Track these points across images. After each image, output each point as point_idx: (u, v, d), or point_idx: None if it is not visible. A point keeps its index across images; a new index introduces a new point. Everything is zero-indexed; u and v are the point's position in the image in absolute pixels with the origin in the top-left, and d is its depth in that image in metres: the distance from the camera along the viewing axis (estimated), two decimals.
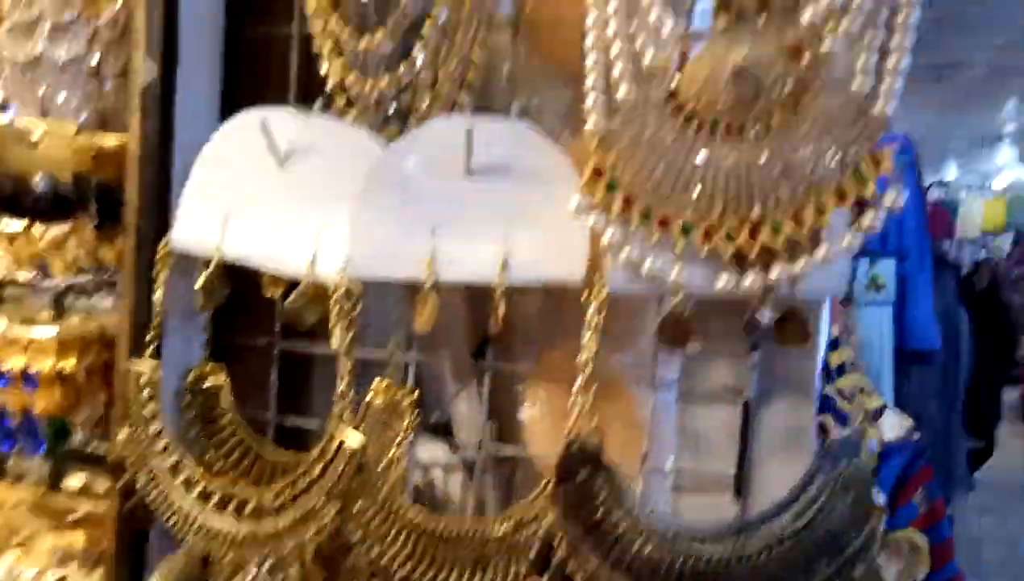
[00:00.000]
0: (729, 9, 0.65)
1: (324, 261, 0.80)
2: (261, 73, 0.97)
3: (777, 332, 0.69)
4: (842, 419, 2.27)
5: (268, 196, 0.85)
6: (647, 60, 0.66)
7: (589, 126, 0.69)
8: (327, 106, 0.87)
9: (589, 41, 0.68)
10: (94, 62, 0.90)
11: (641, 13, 0.67)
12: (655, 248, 0.68)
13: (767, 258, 0.66)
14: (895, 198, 0.62)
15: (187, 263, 0.90)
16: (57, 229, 0.92)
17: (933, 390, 3.43)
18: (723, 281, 0.67)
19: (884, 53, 0.64)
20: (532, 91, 0.95)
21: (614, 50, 0.67)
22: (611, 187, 0.68)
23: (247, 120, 0.86)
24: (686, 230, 0.67)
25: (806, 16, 0.62)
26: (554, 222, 0.73)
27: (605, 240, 0.68)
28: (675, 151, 0.66)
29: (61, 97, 0.86)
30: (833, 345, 2.50)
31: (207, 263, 0.87)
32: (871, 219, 0.63)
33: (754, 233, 0.65)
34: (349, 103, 0.86)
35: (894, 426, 2.37)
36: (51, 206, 0.92)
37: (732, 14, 0.65)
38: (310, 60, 0.92)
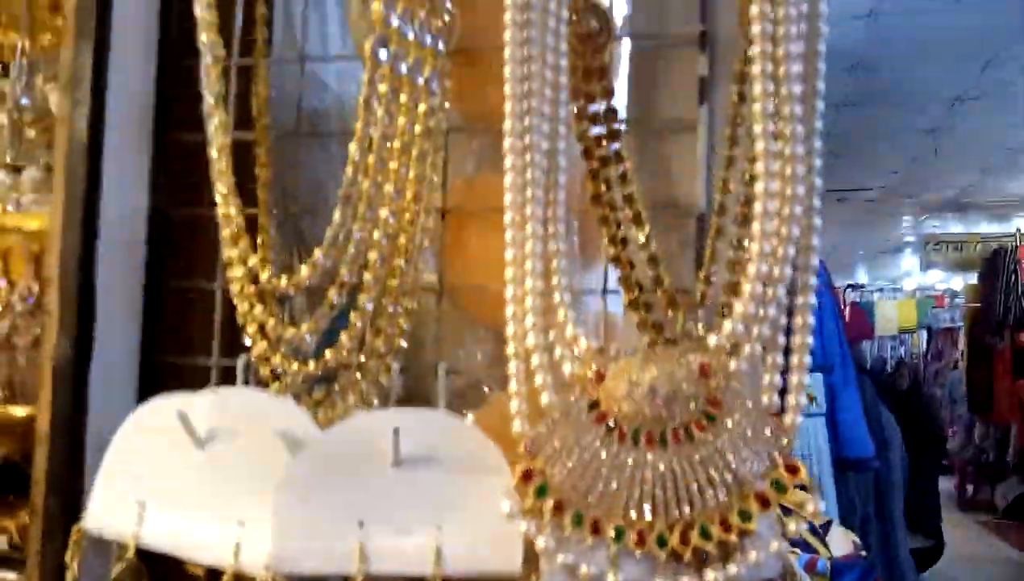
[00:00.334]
0: (647, 326, 0.68)
1: (248, 553, 0.77)
2: (183, 330, 0.96)
3: None
4: (793, 541, 2.25)
5: (187, 480, 0.82)
6: (565, 373, 0.68)
7: (515, 430, 0.70)
8: (247, 368, 0.86)
9: (510, 349, 0.70)
10: (4, 332, 0.87)
11: (557, 327, 0.69)
12: (589, 552, 0.67)
13: (701, 559, 0.66)
14: (814, 510, 0.64)
15: (102, 543, 0.85)
16: None
17: (871, 496, 3.48)
18: None
19: (788, 351, 0.68)
20: (457, 345, 0.97)
21: (534, 360, 0.69)
22: (541, 492, 0.68)
23: (165, 402, 0.84)
24: (619, 534, 0.67)
25: (712, 340, 0.65)
26: (487, 512, 0.72)
27: (539, 546, 0.68)
28: (601, 458, 0.67)
29: None
30: None
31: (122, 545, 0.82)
32: (796, 525, 0.65)
33: (685, 537, 0.66)
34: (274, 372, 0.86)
35: (841, 542, 2.37)
36: None
37: (651, 330, 0.68)
38: (233, 317, 0.92)
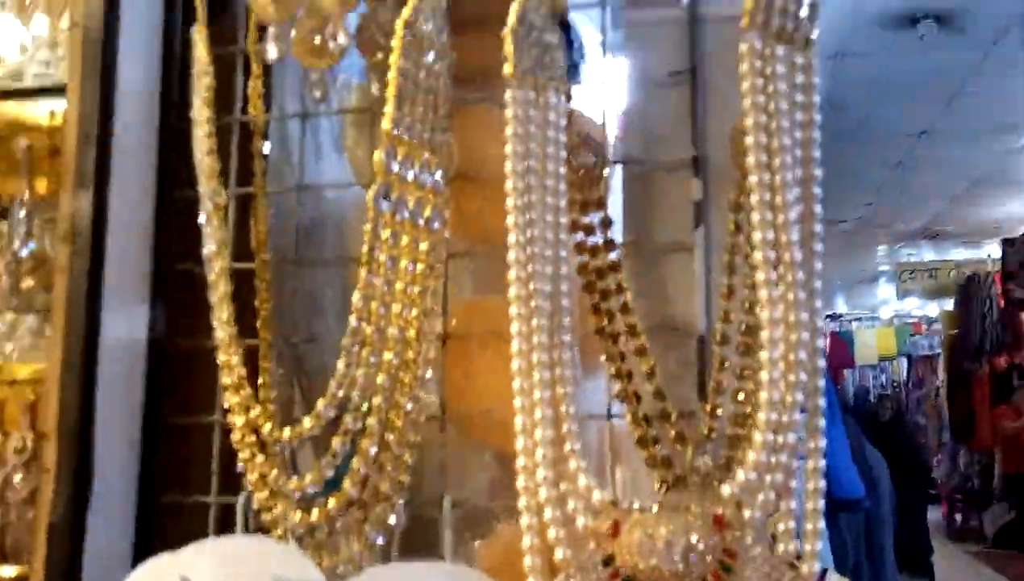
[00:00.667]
0: (657, 463, 0.68)
1: None
2: (180, 466, 0.95)
3: None
4: None
5: None
6: (579, 526, 0.68)
7: None
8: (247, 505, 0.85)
9: (522, 502, 0.70)
10: None
11: (569, 478, 0.69)
12: None
13: None
14: None
15: None
16: None
17: (861, 537, 3.45)
18: None
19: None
20: (461, 472, 0.96)
21: (547, 514, 0.69)
22: None
23: (163, 563, 0.82)
24: None
25: (726, 488, 0.65)
26: None
27: None
28: None
29: None
30: None
31: None
32: None
33: None
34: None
35: None
36: None
37: (660, 467, 0.68)
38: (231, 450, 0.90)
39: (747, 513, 0.65)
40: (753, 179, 0.67)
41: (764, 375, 0.66)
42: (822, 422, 0.67)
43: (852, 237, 10.94)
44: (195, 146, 0.86)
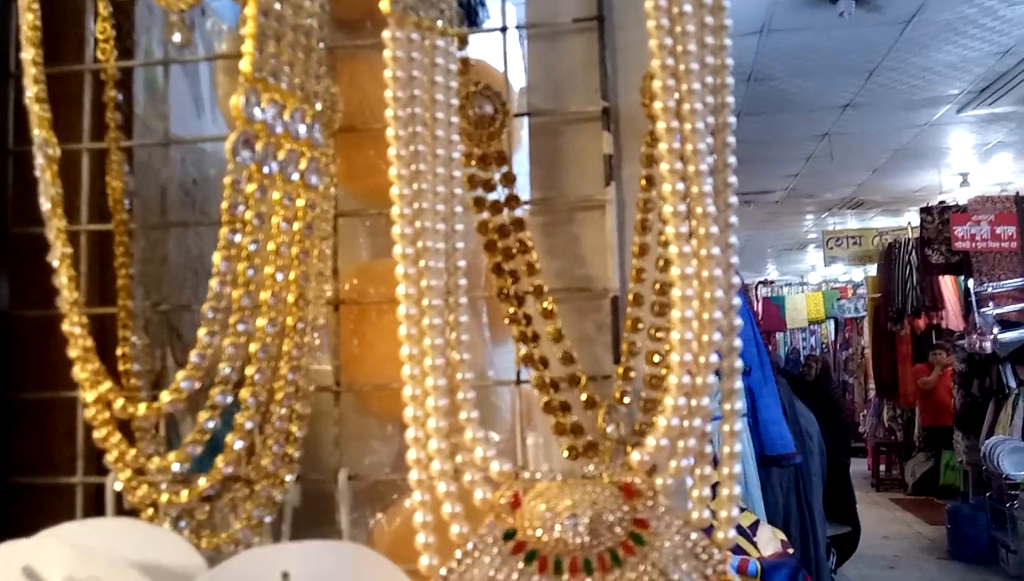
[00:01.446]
0: (566, 430, 0.62)
1: None
2: (39, 446, 0.85)
3: None
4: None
5: None
6: (477, 500, 0.61)
7: (423, 565, 0.62)
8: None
9: (413, 475, 0.63)
10: None
11: (464, 450, 0.62)
12: None
13: None
14: None
15: None
16: None
17: (792, 490, 3.55)
18: None
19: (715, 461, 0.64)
20: (360, 444, 0.89)
21: (441, 488, 0.62)
22: None
23: (15, 549, 0.72)
24: None
25: (636, 455, 0.60)
26: None
27: None
28: None
29: None
30: None
31: None
32: None
33: None
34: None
35: (770, 542, 2.39)
36: None
37: (569, 434, 0.62)
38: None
39: (659, 481, 0.60)
40: (661, 126, 0.61)
41: (675, 335, 0.60)
42: (738, 383, 0.62)
43: (781, 207, 11.22)
44: (25, 92, 0.75)
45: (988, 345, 7.28)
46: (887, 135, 8.75)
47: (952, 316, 9.79)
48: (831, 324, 14.08)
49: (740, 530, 2.33)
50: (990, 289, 8.16)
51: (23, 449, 0.85)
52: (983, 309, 7.82)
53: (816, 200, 11.47)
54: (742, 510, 2.46)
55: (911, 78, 7.18)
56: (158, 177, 0.88)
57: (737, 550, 2.27)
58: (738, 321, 0.62)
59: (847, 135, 8.57)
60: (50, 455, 0.85)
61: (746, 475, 3.28)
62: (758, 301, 13.85)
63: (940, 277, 9.48)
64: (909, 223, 10.93)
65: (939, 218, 9.10)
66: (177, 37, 0.78)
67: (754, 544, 2.30)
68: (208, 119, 1.03)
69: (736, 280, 0.63)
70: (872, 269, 11.18)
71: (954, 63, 6.83)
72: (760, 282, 14.78)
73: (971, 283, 8.47)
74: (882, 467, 10.69)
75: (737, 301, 0.62)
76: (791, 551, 2.35)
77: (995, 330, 7.26)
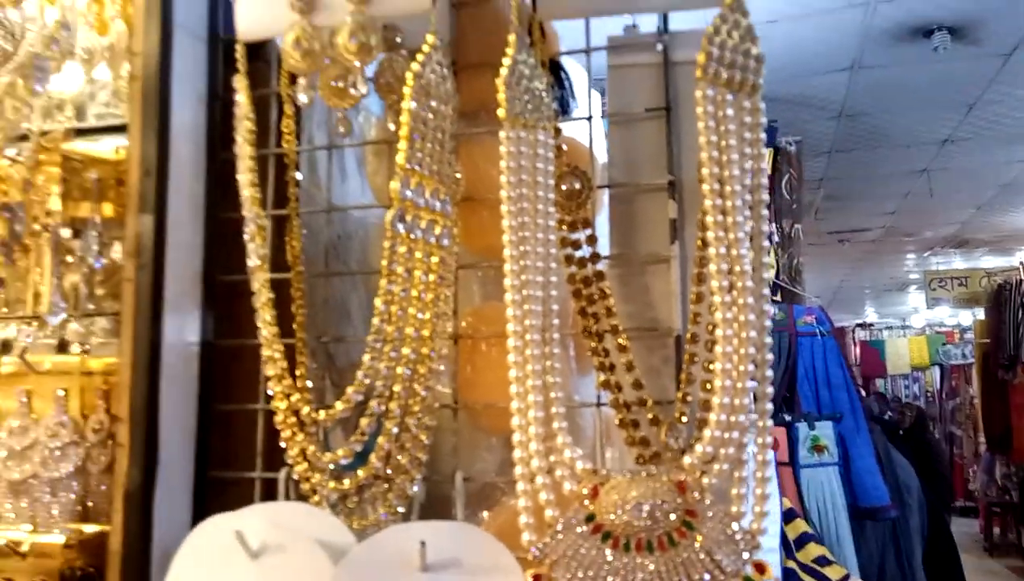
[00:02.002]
0: (635, 442, 0.81)
1: None
2: (228, 448, 1.10)
3: None
4: None
5: None
6: (566, 490, 0.81)
7: (524, 540, 0.82)
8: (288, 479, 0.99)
9: (517, 471, 0.83)
10: (80, 462, 1.00)
11: (557, 451, 0.82)
12: None
13: None
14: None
15: None
16: None
17: (889, 545, 3.47)
18: None
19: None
20: (471, 453, 1.09)
21: (538, 480, 0.82)
22: None
23: (221, 520, 0.97)
24: None
25: (688, 459, 0.78)
26: None
27: None
28: (598, 563, 0.79)
29: (55, 510, 0.95)
30: (787, 517, 2.57)
31: None
32: None
33: None
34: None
35: None
36: None
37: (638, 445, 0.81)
38: (274, 434, 1.05)
39: (706, 480, 0.78)
40: (707, 203, 0.80)
41: (718, 366, 0.79)
42: (769, 405, 0.80)
43: (879, 245, 10.90)
44: (239, 178, 1.01)
45: None
46: (992, 170, 8.42)
47: None
48: (936, 371, 13.31)
49: None
50: None
51: (216, 450, 1.10)
52: None
53: (916, 238, 11.06)
54: (831, 563, 2.49)
55: (1015, 111, 6.94)
56: (320, 236, 1.13)
57: None
58: (770, 356, 0.79)
59: (948, 170, 8.30)
60: (236, 455, 1.10)
61: (837, 526, 3.26)
62: (855, 345, 13.26)
63: None
64: (1021, 263, 10.35)
65: None
66: (342, 129, 1.03)
67: None
68: (350, 185, 1.28)
69: (768, 323, 0.80)
70: (980, 312, 10.60)
71: None
72: (858, 325, 14.20)
73: None
74: (996, 530, 9.97)
75: (769, 339, 0.80)
76: None
77: None
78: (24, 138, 1.01)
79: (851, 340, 13.52)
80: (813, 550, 2.38)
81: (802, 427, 3.14)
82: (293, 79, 1.08)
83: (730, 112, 0.80)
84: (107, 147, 1.06)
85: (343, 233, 1.29)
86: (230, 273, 1.09)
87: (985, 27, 5.27)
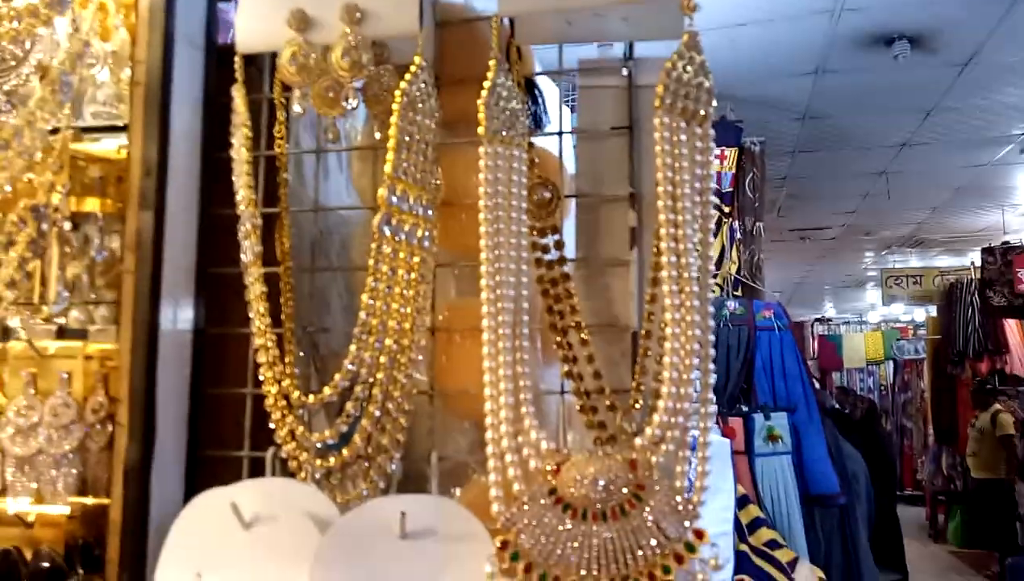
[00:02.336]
0: (594, 425, 0.92)
1: None
2: (217, 429, 1.18)
3: None
4: (759, 577, 2.45)
5: (237, 555, 1.03)
6: (531, 467, 0.91)
7: (494, 511, 0.92)
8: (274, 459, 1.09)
9: (489, 449, 0.93)
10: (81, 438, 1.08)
11: (524, 432, 0.93)
12: None
13: None
14: (715, 562, 0.88)
15: None
16: None
17: (836, 531, 3.65)
18: None
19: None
20: (445, 435, 1.19)
21: (507, 458, 0.92)
22: (515, 557, 0.91)
23: (215, 494, 1.06)
24: None
25: (639, 440, 0.89)
26: (474, 572, 0.94)
27: None
28: (559, 530, 0.90)
29: (59, 484, 1.03)
30: (741, 503, 2.72)
31: None
32: (703, 575, 0.88)
33: None
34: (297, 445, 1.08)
35: (807, 578, 2.55)
36: (44, 576, 1.07)
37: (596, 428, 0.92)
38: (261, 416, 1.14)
39: (654, 459, 0.89)
40: (662, 217, 0.91)
41: (666, 359, 0.90)
42: (711, 395, 0.91)
43: (838, 243, 11.22)
44: (236, 181, 1.09)
45: None
46: (947, 174, 8.73)
47: (1017, 361, 9.48)
48: (890, 365, 13.71)
49: (778, 566, 2.50)
50: None
51: (206, 431, 1.18)
52: None
53: (874, 237, 11.40)
54: (781, 546, 2.63)
55: (971, 118, 7.20)
56: (305, 233, 1.22)
57: None
58: (712, 351, 0.91)
59: (905, 173, 8.58)
60: (223, 435, 1.18)
61: (789, 512, 3.42)
62: (814, 339, 13.59)
63: (1005, 320, 9.25)
64: (972, 263, 10.71)
65: (1002, 259, 8.91)
66: (331, 136, 1.11)
67: (791, 580, 2.47)
68: (331, 184, 1.37)
69: (711, 323, 0.92)
70: (933, 309, 10.97)
71: (1016, 104, 6.83)
72: (816, 319, 14.54)
73: None
74: (941, 517, 10.36)
75: (712, 337, 0.91)
76: None
77: None
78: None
79: (810, 334, 13.83)
80: (765, 534, 2.53)
81: (758, 418, 3.29)
82: (285, 86, 1.16)
83: (683, 138, 0.91)
84: (107, 146, 1.13)
85: (325, 229, 1.37)
86: (219, 266, 1.17)
87: (943, 38, 5.49)
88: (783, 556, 2.55)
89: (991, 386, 9.21)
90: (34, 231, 0.99)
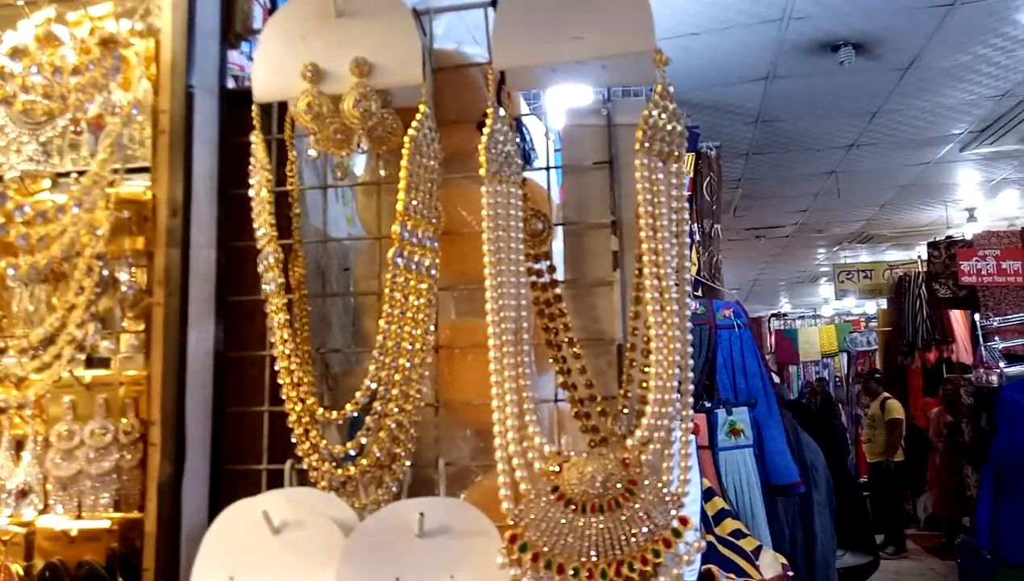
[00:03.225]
0: (587, 429, 1.05)
1: None
2: (237, 445, 1.28)
3: None
4: (725, 566, 2.60)
5: (267, 558, 1.13)
6: (536, 468, 1.04)
7: (503, 509, 1.05)
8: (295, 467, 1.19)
9: (498, 454, 1.06)
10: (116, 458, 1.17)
11: (529, 438, 1.05)
12: None
13: None
14: (699, 544, 1.01)
15: None
16: None
17: (797, 519, 3.83)
18: None
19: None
20: (450, 443, 1.31)
21: (514, 462, 1.05)
22: (523, 548, 1.03)
23: (244, 504, 1.16)
24: (576, 572, 1.02)
25: (629, 442, 1.02)
26: (486, 563, 1.06)
27: None
28: (562, 523, 1.03)
29: (101, 501, 1.12)
30: (707, 496, 2.86)
31: None
32: (688, 557, 1.02)
33: (618, 571, 1.02)
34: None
35: (770, 565, 2.71)
36: None
37: (590, 432, 1.05)
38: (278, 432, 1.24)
39: (644, 457, 1.03)
40: (644, 246, 1.05)
41: (651, 370, 1.03)
42: (690, 399, 1.05)
43: (792, 241, 11.61)
44: (256, 218, 1.19)
45: (995, 379, 7.44)
46: (893, 172, 9.11)
47: (962, 350, 9.87)
48: (844, 357, 14.13)
49: (743, 554, 2.65)
50: (996, 323, 8.29)
51: (228, 446, 1.28)
52: (990, 343, 7.98)
53: (826, 234, 11.82)
54: (746, 536, 2.78)
55: (913, 120, 7.55)
56: (310, 260, 1.33)
57: (740, 572, 2.59)
58: (691, 361, 1.05)
59: (853, 173, 8.94)
60: (242, 451, 1.28)
61: (752, 503, 3.59)
62: (771, 334, 13.95)
63: (950, 311, 9.62)
64: (919, 256, 11.15)
65: (946, 253, 9.28)
66: (339, 173, 1.22)
67: (756, 567, 2.62)
68: (331, 213, 1.47)
69: (689, 336, 1.05)
70: (883, 302, 11.38)
71: (954, 105, 7.19)
72: (772, 315, 14.93)
73: (977, 317, 8.66)
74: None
75: (691, 349, 1.05)
76: (791, 574, 2.67)
77: (1001, 364, 7.43)
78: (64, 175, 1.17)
79: (767, 329, 14.19)
80: (729, 525, 2.68)
81: (720, 413, 3.45)
82: (292, 125, 1.27)
83: (660, 176, 1.05)
84: (133, 188, 1.22)
85: (326, 256, 1.48)
86: (234, 293, 1.27)
87: (885, 44, 5.79)
88: (747, 544, 2.70)
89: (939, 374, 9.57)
90: (98, 276, 1.08)
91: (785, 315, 15.30)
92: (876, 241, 12.37)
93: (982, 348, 8.02)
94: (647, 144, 1.04)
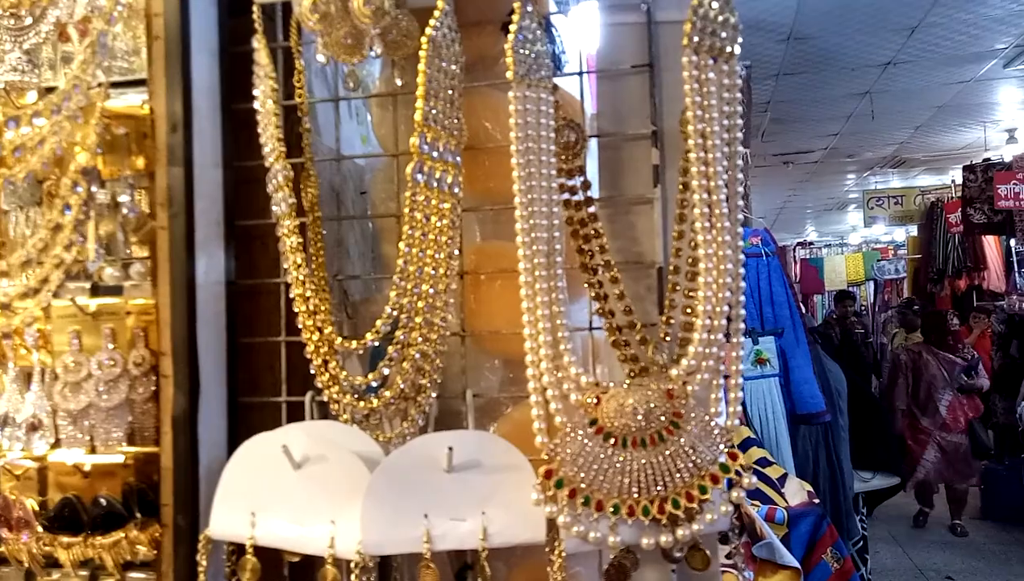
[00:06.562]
0: (627, 359, 0.96)
1: (340, 543, 1.04)
2: (253, 376, 1.22)
3: (688, 559, 0.98)
4: (751, 494, 2.58)
5: (289, 493, 1.08)
6: (572, 400, 0.96)
7: (537, 442, 0.97)
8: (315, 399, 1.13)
9: (531, 385, 0.98)
10: (126, 391, 1.11)
11: (564, 368, 0.97)
12: (595, 523, 0.96)
13: (674, 521, 0.95)
14: (749, 481, 0.94)
15: (217, 546, 1.11)
16: (112, 537, 1.10)
17: (820, 445, 3.81)
18: (645, 540, 0.96)
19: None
20: (477, 374, 1.24)
21: (549, 393, 0.97)
22: (559, 484, 0.97)
23: (265, 437, 1.10)
24: (615, 509, 0.96)
25: (674, 371, 0.94)
26: (518, 500, 1.00)
27: (559, 522, 0.96)
28: (600, 458, 0.96)
29: (113, 435, 1.07)
30: None
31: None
32: (737, 495, 0.95)
33: (662, 508, 0.95)
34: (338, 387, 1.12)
35: (796, 493, 2.69)
36: (103, 521, 1.11)
37: (629, 361, 0.97)
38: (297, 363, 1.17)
39: (689, 388, 0.94)
40: (692, 155, 0.93)
41: (700, 294, 0.94)
42: (742, 325, 0.96)
43: (821, 166, 11.25)
44: (262, 133, 1.09)
45: None
46: (930, 92, 8.71)
47: (994, 277, 9.67)
48: (871, 286, 13.94)
49: (769, 482, 2.62)
50: None
51: (243, 378, 1.21)
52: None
53: (857, 159, 11.44)
54: (771, 464, 2.74)
55: (955, 34, 7.15)
56: (323, 182, 1.23)
57: (766, 500, 2.56)
58: (743, 284, 0.95)
59: (889, 93, 8.56)
60: (258, 383, 1.22)
61: (777, 432, 3.56)
62: (796, 263, 13.77)
63: (983, 237, 9.38)
64: (953, 181, 10.81)
65: (983, 177, 8.97)
66: (351, 83, 1.11)
67: (782, 495, 2.59)
68: (344, 131, 1.36)
69: (741, 257, 0.95)
70: (913, 229, 11.11)
71: (1000, 17, 6.78)
72: (798, 244, 14.68)
73: (1013, 243, 8.42)
74: None
75: (743, 270, 0.95)
76: (816, 501, 2.64)
77: None
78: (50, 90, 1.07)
79: (792, 258, 13.99)
80: (755, 453, 2.65)
81: (747, 342, 3.39)
82: (299, 31, 1.15)
83: (711, 76, 0.93)
84: (130, 101, 1.13)
85: (340, 177, 1.38)
86: (243, 218, 1.18)
87: None
88: (773, 472, 2.67)
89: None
90: (86, 193, 1.00)
91: (811, 244, 15.04)
92: (908, 165, 11.97)
93: (1016, 274, 7.81)
94: (696, 39, 0.92)
